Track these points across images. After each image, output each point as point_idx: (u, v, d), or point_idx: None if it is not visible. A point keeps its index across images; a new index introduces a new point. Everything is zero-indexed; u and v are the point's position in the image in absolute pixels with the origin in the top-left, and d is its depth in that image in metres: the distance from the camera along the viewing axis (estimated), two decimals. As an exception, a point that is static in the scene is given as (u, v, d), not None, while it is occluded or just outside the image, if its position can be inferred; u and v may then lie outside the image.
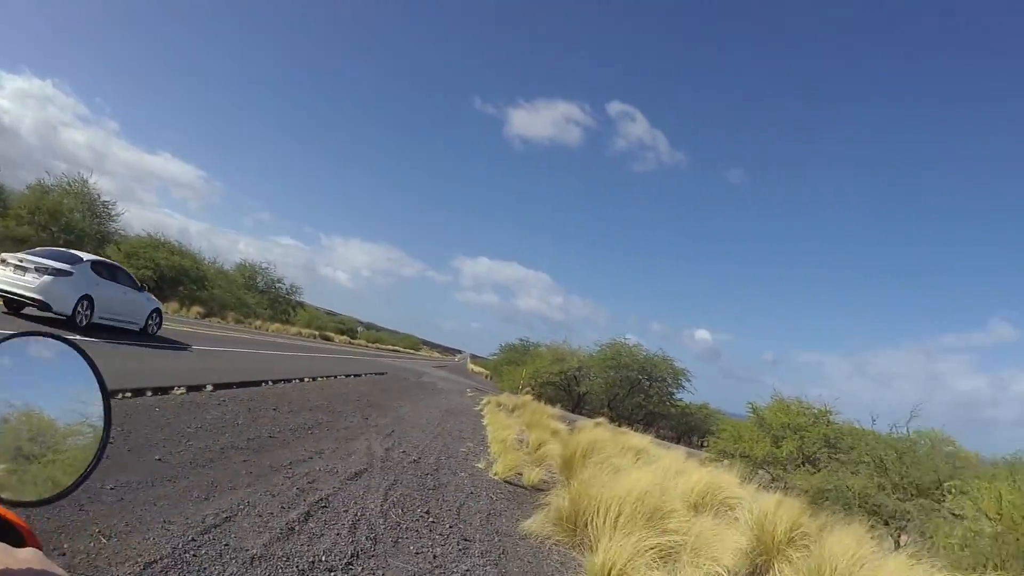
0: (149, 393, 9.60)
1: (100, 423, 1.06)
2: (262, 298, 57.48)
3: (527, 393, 36.78)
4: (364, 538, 5.84)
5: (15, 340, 1.03)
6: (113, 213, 39.82)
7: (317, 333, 63.88)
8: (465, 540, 6.69)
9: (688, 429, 56.91)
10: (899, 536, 14.80)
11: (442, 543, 6.36)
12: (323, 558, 5.13)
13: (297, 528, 5.63)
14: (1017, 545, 8.58)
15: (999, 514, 9.74)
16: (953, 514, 14.05)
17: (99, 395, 1.06)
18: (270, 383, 14.93)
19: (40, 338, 1.05)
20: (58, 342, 1.06)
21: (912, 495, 15.89)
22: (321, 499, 6.67)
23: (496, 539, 7.09)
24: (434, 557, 5.87)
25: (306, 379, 17.97)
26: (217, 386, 12.02)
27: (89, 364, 1.06)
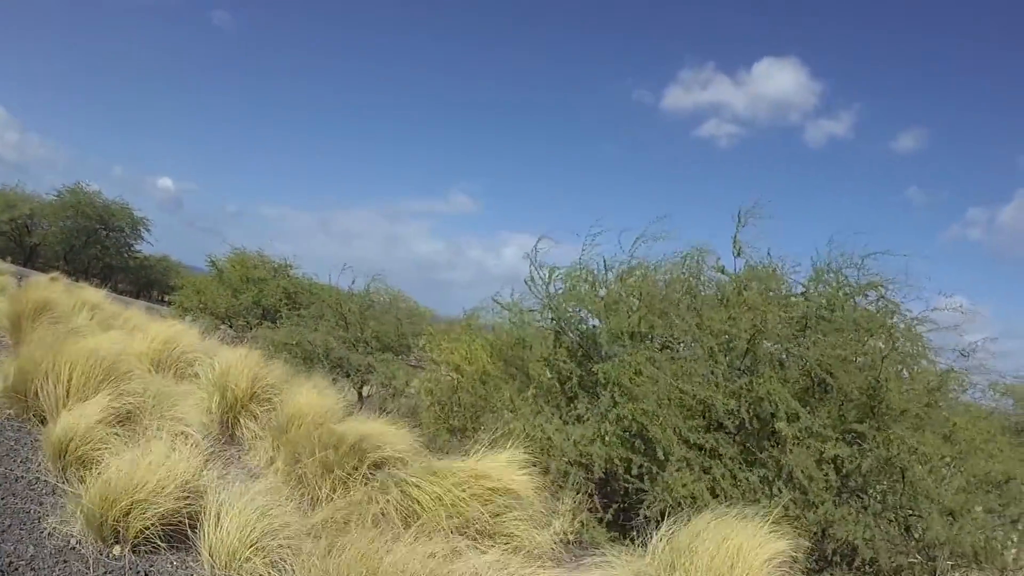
0: None
1: None
2: None
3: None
4: None
5: None
6: None
7: None
8: (-101, 430, 5.98)
9: (148, 283, 55.08)
10: (362, 386, 15.66)
11: None
12: None
13: None
14: (473, 392, 9.51)
15: (459, 368, 10.70)
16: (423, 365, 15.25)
17: None
18: None
19: None
20: None
21: (373, 349, 16.84)
22: None
23: (-62, 423, 6.42)
24: None
25: None
26: None
27: None
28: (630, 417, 7.26)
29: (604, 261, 9.14)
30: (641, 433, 7.31)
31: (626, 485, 7.22)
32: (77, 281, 26.81)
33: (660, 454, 7.01)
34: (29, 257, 47.08)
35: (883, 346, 7.50)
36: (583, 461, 7.41)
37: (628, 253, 8.96)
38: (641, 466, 7.14)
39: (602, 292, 8.98)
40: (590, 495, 7.41)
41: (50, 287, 17.08)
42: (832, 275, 7.91)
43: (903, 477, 6.84)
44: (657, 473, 7.04)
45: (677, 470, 6.93)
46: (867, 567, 6.58)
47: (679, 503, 6.58)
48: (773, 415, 6.87)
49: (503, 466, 6.22)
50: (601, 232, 9.15)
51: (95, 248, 49.06)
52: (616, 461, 7.24)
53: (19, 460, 5.85)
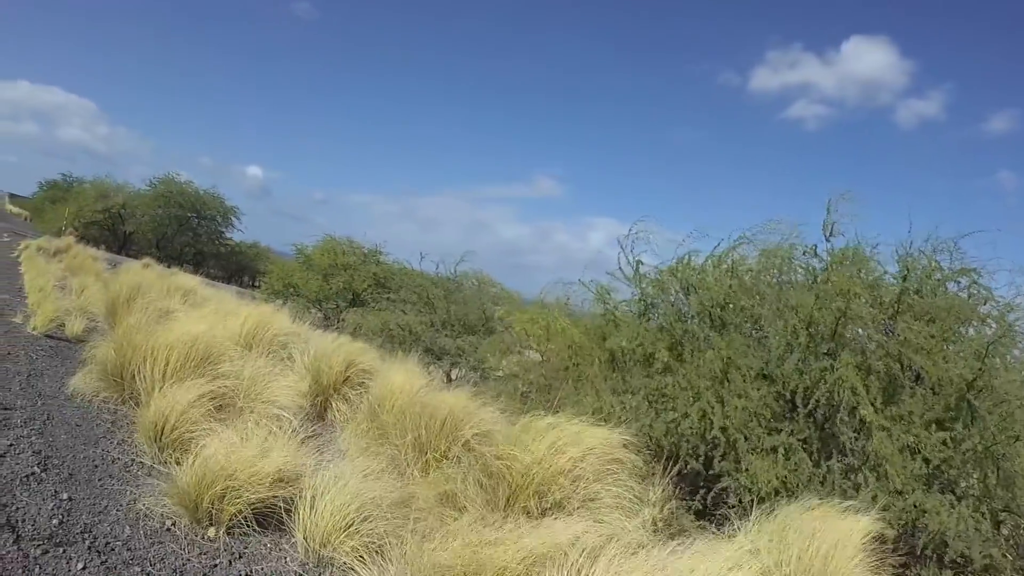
0: None
1: None
2: None
3: (70, 235, 34.42)
4: None
5: None
6: None
7: None
8: (5, 409, 6.09)
9: (239, 268, 56.40)
10: (451, 370, 15.66)
11: (-21, 417, 5.76)
12: None
13: None
14: (566, 370, 9.44)
15: (547, 337, 10.62)
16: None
17: None
18: None
19: None
20: None
21: (461, 332, 16.84)
22: None
23: (40, 403, 6.54)
24: (-29, 436, 5.30)
25: None
26: None
27: None
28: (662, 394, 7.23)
29: (714, 252, 8.97)
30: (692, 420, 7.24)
31: (711, 472, 7.11)
32: (170, 267, 27.44)
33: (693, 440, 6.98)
34: (123, 245, 48.62)
35: (990, 333, 7.23)
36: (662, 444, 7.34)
37: (729, 244, 8.79)
38: (714, 450, 7.09)
39: (694, 271, 8.82)
40: (674, 481, 7.29)
41: (143, 273, 17.46)
42: (924, 259, 7.64)
43: (998, 470, 6.58)
44: (732, 457, 6.97)
45: (733, 453, 6.88)
46: (959, 563, 6.33)
47: (762, 492, 6.49)
48: (856, 403, 6.69)
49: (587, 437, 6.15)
50: (694, 235, 9.04)
51: (187, 235, 50.47)
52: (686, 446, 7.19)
53: (115, 442, 5.96)
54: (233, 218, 52.61)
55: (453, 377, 15.22)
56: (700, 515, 6.93)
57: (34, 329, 9.74)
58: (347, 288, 24.00)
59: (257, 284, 36.70)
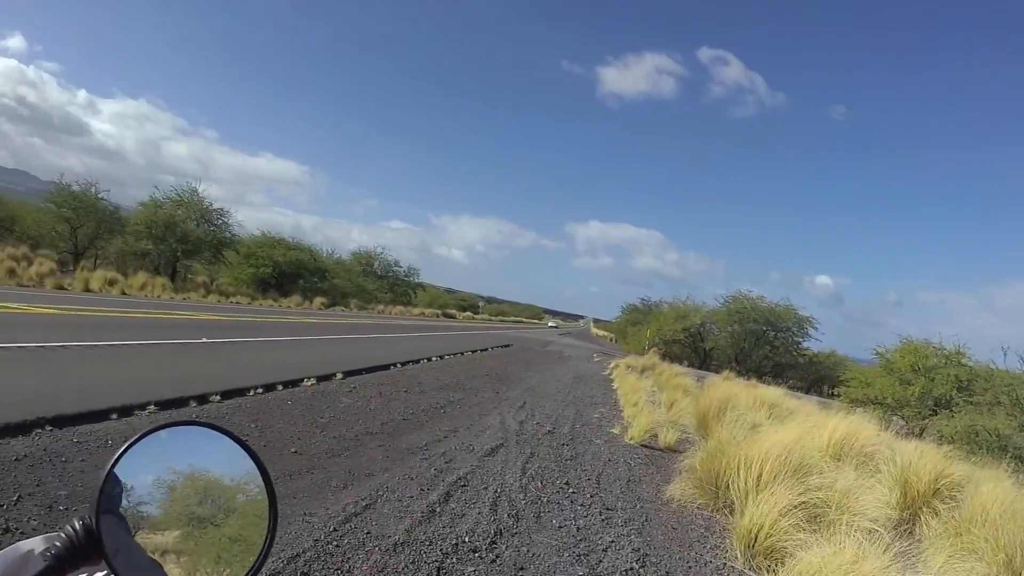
0: (280, 387, 9.89)
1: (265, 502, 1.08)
2: (381, 283, 59.09)
3: (653, 353, 36.59)
4: (506, 515, 5.91)
5: (177, 428, 1.05)
6: (227, 219, 40.88)
7: (439, 312, 65.49)
8: (607, 509, 6.73)
9: (818, 378, 56.06)
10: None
11: (584, 514, 6.41)
12: (466, 539, 5.20)
13: (438, 510, 5.74)
14: None
15: None
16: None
17: (262, 484, 1.08)
18: (399, 366, 15.27)
19: (198, 427, 1.07)
20: (215, 431, 1.08)
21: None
22: (459, 478, 6.80)
23: (638, 506, 7.12)
24: (577, 530, 5.91)
25: (433, 358, 18.37)
26: (347, 373, 12.31)
27: (247, 451, 1.09)
28: None
29: None
30: None
31: None
32: (749, 380, 28.03)
33: None
34: (703, 360, 51.03)
35: None
36: None
37: None
38: None
39: None
40: None
41: (727, 387, 18.09)
42: None
43: None
44: None
45: None
46: None
47: None
48: None
49: None
50: None
51: (764, 348, 51.62)
52: None
53: (709, 546, 6.28)
54: (809, 328, 52.95)
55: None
56: None
57: (630, 439, 10.59)
58: (926, 392, 22.85)
59: (837, 393, 36.21)
